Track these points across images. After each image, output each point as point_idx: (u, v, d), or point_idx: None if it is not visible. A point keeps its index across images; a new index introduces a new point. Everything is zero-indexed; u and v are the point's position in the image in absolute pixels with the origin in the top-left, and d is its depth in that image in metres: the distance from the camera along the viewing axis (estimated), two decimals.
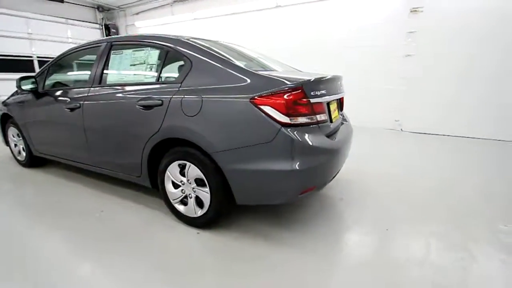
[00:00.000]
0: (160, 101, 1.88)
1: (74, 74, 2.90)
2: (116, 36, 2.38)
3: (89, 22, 8.43)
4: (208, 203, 1.85)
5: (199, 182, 1.88)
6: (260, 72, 1.74)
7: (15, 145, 3.28)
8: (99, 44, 2.39)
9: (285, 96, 1.57)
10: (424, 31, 4.81)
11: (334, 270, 1.61)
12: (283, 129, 1.56)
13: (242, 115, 1.62)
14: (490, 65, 4.43)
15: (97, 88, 2.29)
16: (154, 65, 2.05)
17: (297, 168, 1.57)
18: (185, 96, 1.79)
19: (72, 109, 2.40)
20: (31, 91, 2.76)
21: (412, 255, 1.71)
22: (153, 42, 2.07)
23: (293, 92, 1.58)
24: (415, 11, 4.89)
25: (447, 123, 4.88)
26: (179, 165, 1.91)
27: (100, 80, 2.30)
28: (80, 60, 2.68)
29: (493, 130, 4.55)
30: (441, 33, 4.68)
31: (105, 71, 2.30)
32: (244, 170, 1.65)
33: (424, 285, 1.48)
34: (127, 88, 2.13)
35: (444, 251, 1.75)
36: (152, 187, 2.16)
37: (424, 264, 1.63)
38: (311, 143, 1.62)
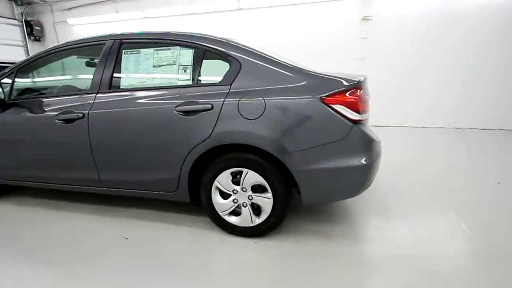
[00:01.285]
0: (210, 105, 1.71)
1: (61, 79, 2.35)
2: (124, 33, 2.03)
3: (5, 17, 6.86)
4: (270, 209, 1.77)
5: (256, 189, 1.79)
6: (311, 72, 1.75)
7: None
8: (100, 42, 2.02)
9: (354, 95, 1.62)
10: (375, 36, 5.54)
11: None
12: (355, 126, 1.62)
13: (312, 115, 1.61)
14: (438, 63, 5.32)
15: (107, 94, 1.93)
16: (188, 66, 1.84)
17: (367, 162, 1.65)
18: (242, 99, 1.68)
19: (68, 121, 1.96)
20: None
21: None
22: (184, 41, 1.85)
23: (358, 91, 1.65)
24: (366, 19, 5.58)
25: (392, 114, 5.72)
26: (231, 173, 1.78)
27: (109, 84, 1.94)
28: (67, 61, 2.19)
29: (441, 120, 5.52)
30: (390, 36, 5.45)
31: (116, 74, 1.95)
32: (316, 170, 1.64)
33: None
34: (153, 93, 1.86)
35: None
36: (190, 201, 1.94)
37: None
38: (375, 139, 1.72)
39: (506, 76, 5.08)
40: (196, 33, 1.89)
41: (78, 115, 1.93)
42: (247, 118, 1.66)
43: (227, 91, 1.73)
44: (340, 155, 1.63)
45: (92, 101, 1.93)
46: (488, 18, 4.94)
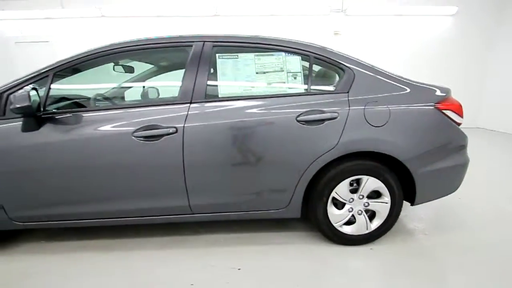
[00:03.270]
0: (336, 114, 1.65)
1: (123, 87, 1.82)
2: (212, 34, 1.75)
3: None
4: (387, 214, 1.81)
5: (370, 195, 1.80)
6: (408, 81, 1.89)
7: None
8: (185, 44, 1.71)
9: (456, 101, 1.83)
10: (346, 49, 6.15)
11: None
12: (459, 128, 1.82)
13: (430, 120, 1.74)
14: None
15: (204, 104, 1.64)
16: (298, 74, 1.73)
17: (468, 159, 1.88)
18: (367, 107, 1.68)
19: (153, 138, 1.58)
20: (25, 116, 1.55)
21: None
22: (289, 47, 1.74)
23: (454, 97, 1.87)
24: (337, 33, 6.17)
25: None
26: (350, 181, 1.75)
27: (205, 93, 1.66)
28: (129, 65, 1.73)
29: None
30: (358, 49, 6.13)
31: (211, 81, 1.68)
32: (433, 171, 1.77)
33: None
34: (261, 102, 1.68)
35: None
36: (301, 216, 1.81)
37: None
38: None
39: None
40: (299, 40, 1.80)
41: (168, 131, 1.59)
42: (374, 126, 1.68)
43: (347, 98, 1.71)
44: (451, 155, 1.81)
45: (186, 113, 1.62)
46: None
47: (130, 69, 2.13)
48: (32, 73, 1.65)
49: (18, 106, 1.42)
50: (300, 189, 1.73)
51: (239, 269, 1.67)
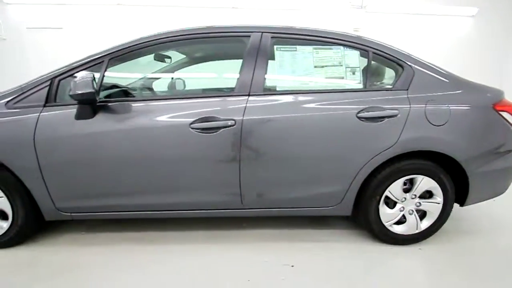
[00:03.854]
0: (396, 111, 1.61)
1: (180, 77, 1.76)
2: (270, 26, 1.70)
3: None
4: (438, 213, 1.79)
5: (424, 195, 1.78)
6: (460, 79, 1.85)
7: None
8: (241, 34, 1.66)
9: (510, 102, 1.80)
10: None
11: None
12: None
13: (487, 121, 1.71)
14: None
15: (262, 97, 1.60)
16: (356, 69, 1.69)
17: None
18: (428, 105, 1.64)
19: (210, 130, 1.54)
20: (82, 103, 1.49)
21: None
22: (348, 41, 1.70)
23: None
24: (356, 30, 6.10)
25: None
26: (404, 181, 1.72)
27: (263, 85, 1.61)
28: (187, 53, 1.67)
29: None
30: None
31: (268, 74, 1.63)
32: (488, 171, 1.75)
33: None
34: (319, 96, 1.64)
35: None
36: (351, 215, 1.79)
37: None
38: None
39: None
40: (358, 35, 1.76)
41: (227, 123, 1.55)
42: (434, 125, 1.64)
43: (406, 96, 1.67)
44: (504, 156, 1.79)
45: (244, 105, 1.57)
46: None
47: (167, 59, 2.07)
48: (85, 58, 1.59)
49: (80, 92, 1.36)
50: (355, 186, 1.70)
51: (292, 266, 1.64)
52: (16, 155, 1.55)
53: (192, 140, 1.55)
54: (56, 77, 1.57)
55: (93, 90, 1.37)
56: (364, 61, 1.73)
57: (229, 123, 1.55)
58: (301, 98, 1.63)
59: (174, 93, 1.83)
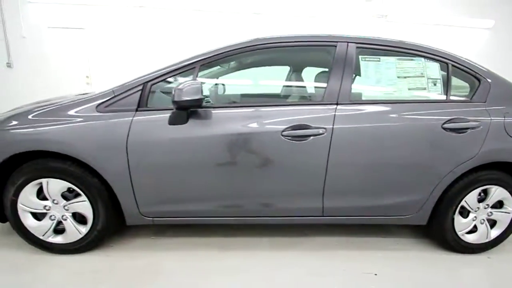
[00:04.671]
0: (478, 123, 1.65)
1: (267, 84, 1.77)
2: (355, 36, 1.73)
3: None
4: (508, 223, 1.83)
5: (495, 205, 1.82)
6: None
7: (51, 216, 1.62)
8: (328, 44, 1.68)
9: None
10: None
11: None
12: None
13: None
14: None
15: (350, 107, 1.63)
16: (437, 80, 1.73)
17: None
18: (506, 118, 1.69)
19: (301, 138, 1.56)
20: (182, 108, 1.49)
21: None
22: (429, 53, 1.74)
23: None
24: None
25: None
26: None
27: (349, 94, 1.64)
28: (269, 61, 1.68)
29: None
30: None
31: (355, 83, 1.66)
32: None
33: None
34: (404, 107, 1.67)
35: None
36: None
37: None
38: None
39: None
40: (436, 47, 1.80)
41: (318, 131, 1.56)
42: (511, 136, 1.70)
43: (485, 108, 1.72)
44: None
45: (333, 114, 1.59)
46: None
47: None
48: (176, 64, 1.59)
49: (188, 99, 1.37)
50: (434, 195, 1.72)
51: (375, 274, 1.66)
52: (107, 160, 1.53)
53: (282, 148, 1.56)
54: (148, 81, 1.56)
55: (202, 97, 1.37)
56: (442, 73, 1.78)
57: (320, 131, 1.57)
58: (386, 108, 1.66)
59: (263, 100, 1.84)
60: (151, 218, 1.67)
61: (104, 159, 1.53)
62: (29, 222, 1.63)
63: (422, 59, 1.75)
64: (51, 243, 1.67)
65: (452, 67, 1.77)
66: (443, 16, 5.79)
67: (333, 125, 1.58)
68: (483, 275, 1.74)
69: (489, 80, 1.77)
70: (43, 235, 1.65)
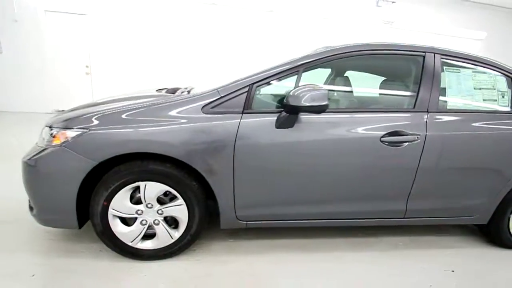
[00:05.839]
0: None
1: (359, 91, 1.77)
2: (439, 48, 1.81)
3: None
4: None
5: None
6: None
7: (142, 221, 1.54)
8: (417, 54, 1.75)
9: None
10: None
11: None
12: None
13: None
14: None
15: (438, 114, 1.72)
16: (505, 93, 1.88)
17: None
18: None
19: (397, 144, 1.62)
20: (292, 112, 1.49)
21: None
22: (499, 68, 1.88)
23: None
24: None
25: None
26: None
27: (437, 103, 1.73)
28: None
29: None
30: None
31: (441, 93, 1.75)
32: None
33: None
34: (478, 116, 1.80)
35: None
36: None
37: None
38: None
39: None
40: (504, 64, 1.95)
41: (414, 138, 1.63)
42: None
43: None
44: None
45: (425, 121, 1.68)
46: None
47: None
48: (280, 66, 1.57)
49: (317, 104, 1.37)
50: (499, 197, 1.89)
51: (452, 271, 1.79)
52: (213, 162, 1.48)
53: (379, 153, 1.62)
54: (254, 83, 1.53)
55: (327, 103, 1.38)
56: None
57: (416, 138, 1.65)
58: (469, 117, 1.78)
59: (360, 107, 1.87)
60: (245, 222, 1.65)
61: (210, 162, 1.48)
62: (118, 228, 1.54)
63: (493, 73, 1.90)
64: (140, 249, 1.59)
65: None
66: (442, 26, 6.20)
67: (426, 132, 1.67)
68: None
69: None
70: (131, 241, 1.57)
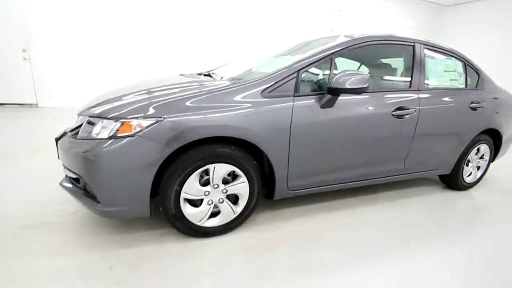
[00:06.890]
0: (485, 103, 2.52)
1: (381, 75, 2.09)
2: (421, 39, 2.25)
3: None
4: (485, 167, 2.85)
5: (482, 156, 2.81)
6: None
7: (208, 201, 1.68)
8: (407, 44, 2.20)
9: None
10: None
11: None
12: None
13: None
14: None
15: (426, 92, 2.22)
16: (461, 74, 2.49)
17: None
18: (494, 99, 2.62)
19: (401, 116, 2.06)
20: (333, 93, 1.76)
21: None
22: (456, 55, 2.48)
23: None
24: (332, 31, 7.07)
25: None
26: None
27: (424, 83, 2.22)
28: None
29: None
30: None
31: (426, 75, 2.24)
32: None
33: None
34: (451, 92, 2.39)
35: None
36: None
37: None
38: None
39: None
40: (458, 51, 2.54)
41: (413, 111, 2.11)
42: (496, 112, 2.64)
43: (484, 94, 2.60)
44: None
45: (417, 97, 2.16)
46: None
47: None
48: (317, 54, 1.82)
49: (358, 87, 1.66)
50: (458, 153, 2.56)
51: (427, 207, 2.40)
52: (274, 141, 1.67)
53: (391, 124, 2.06)
54: (300, 69, 1.73)
55: (368, 85, 1.68)
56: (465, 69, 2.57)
57: (414, 111, 2.12)
58: (441, 93, 2.34)
59: (376, 88, 2.19)
60: (293, 191, 1.91)
61: (271, 141, 1.67)
62: (188, 210, 1.63)
63: (453, 58, 2.50)
64: (205, 227, 1.71)
65: (467, 65, 2.58)
66: (381, 15, 7.14)
67: (419, 107, 2.16)
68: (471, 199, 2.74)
69: (479, 73, 2.67)
70: (199, 221, 1.67)
